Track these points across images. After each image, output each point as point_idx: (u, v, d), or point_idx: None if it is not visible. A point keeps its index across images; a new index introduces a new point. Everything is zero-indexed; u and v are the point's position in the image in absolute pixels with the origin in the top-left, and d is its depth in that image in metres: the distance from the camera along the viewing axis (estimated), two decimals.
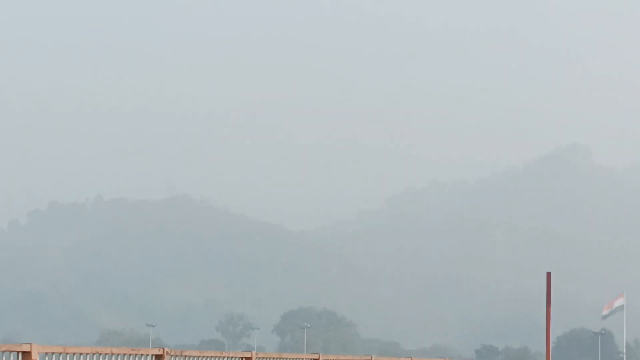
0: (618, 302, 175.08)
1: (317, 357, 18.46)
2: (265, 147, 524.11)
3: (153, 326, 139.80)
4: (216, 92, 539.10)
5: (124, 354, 13.08)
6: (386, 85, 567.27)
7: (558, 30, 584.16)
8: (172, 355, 13.71)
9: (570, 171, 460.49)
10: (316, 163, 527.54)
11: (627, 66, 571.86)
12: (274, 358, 17.72)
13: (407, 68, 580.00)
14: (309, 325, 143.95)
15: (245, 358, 15.58)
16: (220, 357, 15.00)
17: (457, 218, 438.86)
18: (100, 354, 12.58)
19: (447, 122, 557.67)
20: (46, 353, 11.85)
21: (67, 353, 12.13)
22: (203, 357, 14.52)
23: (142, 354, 13.31)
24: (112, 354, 12.80)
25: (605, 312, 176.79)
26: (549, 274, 38.94)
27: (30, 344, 11.62)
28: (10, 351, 11.46)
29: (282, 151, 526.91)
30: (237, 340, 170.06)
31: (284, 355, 17.63)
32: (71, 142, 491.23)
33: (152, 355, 13.47)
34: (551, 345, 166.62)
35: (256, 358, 15.58)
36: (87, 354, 12.38)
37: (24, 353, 11.48)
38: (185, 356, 13.99)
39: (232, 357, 15.04)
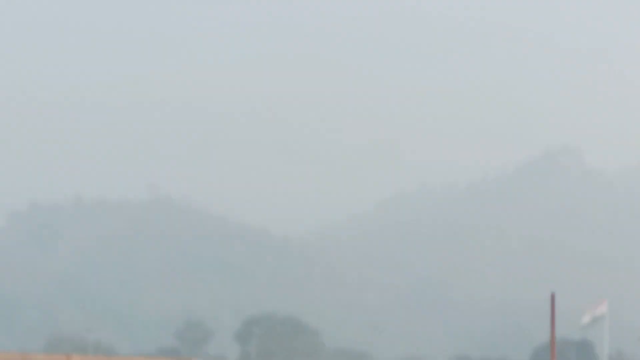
0: (599, 310, 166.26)
1: None
2: (251, 148, 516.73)
3: (93, 331, 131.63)
4: (200, 91, 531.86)
5: None
6: (375, 87, 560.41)
7: (549, 32, 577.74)
8: None
9: (561, 173, 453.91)
10: (304, 166, 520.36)
11: (619, 68, 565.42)
12: None
13: (396, 71, 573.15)
14: (260, 332, 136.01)
15: None
16: None
17: (446, 222, 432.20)
18: None
19: (437, 124, 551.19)
20: None
21: None
22: None
23: None
24: None
25: (584, 320, 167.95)
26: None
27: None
28: None
29: (268, 153, 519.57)
30: (196, 348, 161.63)
31: None
32: (50, 141, 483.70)
33: None
34: (529, 357, 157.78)
35: None
36: None
37: None
38: None
39: None
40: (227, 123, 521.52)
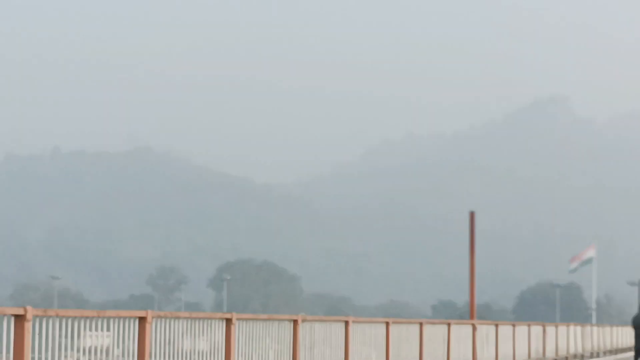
0: (588, 254, 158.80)
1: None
2: (233, 96, 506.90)
3: (58, 279, 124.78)
4: (180, 40, 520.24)
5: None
6: (362, 35, 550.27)
7: None
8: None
9: (550, 123, 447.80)
10: (289, 114, 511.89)
11: (607, 17, 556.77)
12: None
13: (382, 18, 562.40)
14: (229, 277, 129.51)
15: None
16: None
17: (434, 171, 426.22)
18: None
19: (424, 73, 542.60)
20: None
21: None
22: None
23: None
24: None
25: (573, 264, 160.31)
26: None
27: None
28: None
29: (251, 101, 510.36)
30: (170, 295, 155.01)
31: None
32: (27, 91, 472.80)
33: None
34: (515, 300, 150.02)
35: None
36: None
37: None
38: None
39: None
40: (207, 73, 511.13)
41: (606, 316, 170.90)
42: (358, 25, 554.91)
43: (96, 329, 11.68)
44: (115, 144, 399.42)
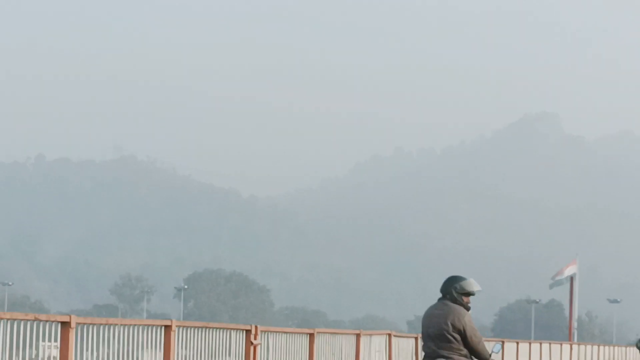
0: (569, 270, 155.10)
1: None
2: (221, 109, 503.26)
3: (9, 285, 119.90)
4: (168, 49, 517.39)
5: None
6: (352, 51, 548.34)
7: (529, 5, 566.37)
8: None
9: (539, 139, 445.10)
10: (278, 129, 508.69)
11: (599, 35, 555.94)
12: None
13: (373, 35, 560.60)
14: (186, 287, 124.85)
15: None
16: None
17: (422, 187, 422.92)
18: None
19: (414, 89, 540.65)
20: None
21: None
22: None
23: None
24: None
25: (552, 280, 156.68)
26: None
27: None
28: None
29: (240, 115, 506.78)
30: (135, 305, 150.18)
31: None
32: (12, 98, 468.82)
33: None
34: (493, 317, 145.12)
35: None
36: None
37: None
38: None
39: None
40: (195, 85, 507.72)
41: (588, 335, 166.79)
42: (348, 43, 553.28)
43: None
44: (100, 152, 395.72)
